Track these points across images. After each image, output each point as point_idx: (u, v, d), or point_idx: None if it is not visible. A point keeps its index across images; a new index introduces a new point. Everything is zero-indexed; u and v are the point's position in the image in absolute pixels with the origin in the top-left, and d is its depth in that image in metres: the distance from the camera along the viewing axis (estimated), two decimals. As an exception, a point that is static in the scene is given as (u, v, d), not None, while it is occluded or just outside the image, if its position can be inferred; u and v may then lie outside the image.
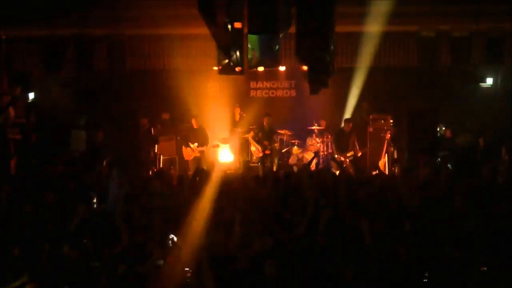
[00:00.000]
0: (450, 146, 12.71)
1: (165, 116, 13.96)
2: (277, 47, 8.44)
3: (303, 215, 6.86)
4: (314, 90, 8.55)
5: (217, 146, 13.40)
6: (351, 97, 13.82)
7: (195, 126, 12.81)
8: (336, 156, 12.57)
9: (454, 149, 12.57)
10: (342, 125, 12.92)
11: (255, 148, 13.05)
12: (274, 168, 12.44)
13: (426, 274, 5.75)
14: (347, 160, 12.48)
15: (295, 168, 12.68)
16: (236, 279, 5.51)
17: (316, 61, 8.06)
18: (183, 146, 12.87)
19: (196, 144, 12.65)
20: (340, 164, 10.54)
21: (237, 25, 8.14)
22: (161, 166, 13.02)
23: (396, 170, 12.11)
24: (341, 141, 12.79)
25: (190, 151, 12.72)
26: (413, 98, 12.88)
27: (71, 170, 10.25)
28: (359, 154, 12.74)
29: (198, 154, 12.71)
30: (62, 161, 10.77)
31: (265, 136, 12.91)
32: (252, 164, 12.96)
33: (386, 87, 13.47)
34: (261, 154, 12.89)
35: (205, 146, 12.75)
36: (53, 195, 7.85)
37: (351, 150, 12.65)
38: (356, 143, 12.77)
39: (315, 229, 6.48)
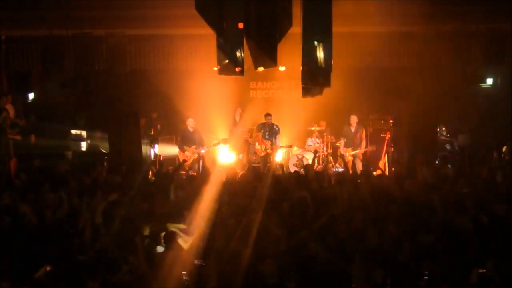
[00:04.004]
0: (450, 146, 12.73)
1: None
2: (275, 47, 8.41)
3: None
4: (306, 93, 8.53)
5: (217, 144, 13.34)
6: (352, 97, 13.82)
7: (190, 129, 12.67)
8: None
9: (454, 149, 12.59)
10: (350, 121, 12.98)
11: (259, 147, 13.03)
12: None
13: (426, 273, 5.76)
14: (351, 156, 12.60)
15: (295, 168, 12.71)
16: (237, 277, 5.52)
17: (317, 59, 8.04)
18: (179, 151, 12.78)
19: (194, 146, 12.56)
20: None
21: (239, 25, 8.12)
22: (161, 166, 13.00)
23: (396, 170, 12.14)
24: (348, 137, 12.84)
25: (189, 155, 12.59)
26: (413, 98, 12.88)
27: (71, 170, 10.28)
28: (367, 150, 12.81)
29: (196, 157, 12.62)
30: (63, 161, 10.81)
31: (267, 135, 12.92)
32: (254, 165, 12.93)
33: (386, 87, 13.46)
34: (263, 154, 12.88)
35: (204, 147, 12.68)
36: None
37: (358, 146, 12.72)
38: (363, 138, 12.84)
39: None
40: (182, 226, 7.31)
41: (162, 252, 6.41)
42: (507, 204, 7.73)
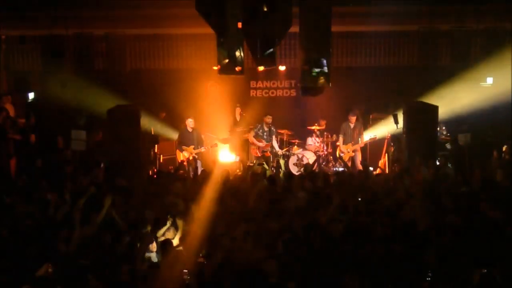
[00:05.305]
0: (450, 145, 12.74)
1: (162, 115, 13.92)
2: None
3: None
4: (306, 92, 8.55)
5: (216, 146, 13.31)
6: (352, 96, 13.82)
7: (189, 129, 12.62)
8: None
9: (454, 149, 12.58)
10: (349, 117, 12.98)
11: (255, 147, 13.03)
12: (282, 169, 12.41)
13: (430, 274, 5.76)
14: (352, 151, 12.58)
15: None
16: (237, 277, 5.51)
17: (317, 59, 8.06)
18: (177, 150, 12.75)
19: (192, 146, 12.52)
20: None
21: (239, 25, 8.14)
22: (161, 165, 13.00)
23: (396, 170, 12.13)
24: (347, 133, 12.90)
25: (187, 154, 12.56)
26: (413, 97, 12.88)
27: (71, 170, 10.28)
28: (368, 141, 12.82)
29: (195, 156, 12.59)
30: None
31: (265, 135, 12.91)
32: (252, 165, 12.90)
33: (387, 86, 13.47)
34: (259, 154, 12.86)
35: (201, 148, 12.65)
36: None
37: (355, 143, 12.72)
38: (362, 133, 12.83)
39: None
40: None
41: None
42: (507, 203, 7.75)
